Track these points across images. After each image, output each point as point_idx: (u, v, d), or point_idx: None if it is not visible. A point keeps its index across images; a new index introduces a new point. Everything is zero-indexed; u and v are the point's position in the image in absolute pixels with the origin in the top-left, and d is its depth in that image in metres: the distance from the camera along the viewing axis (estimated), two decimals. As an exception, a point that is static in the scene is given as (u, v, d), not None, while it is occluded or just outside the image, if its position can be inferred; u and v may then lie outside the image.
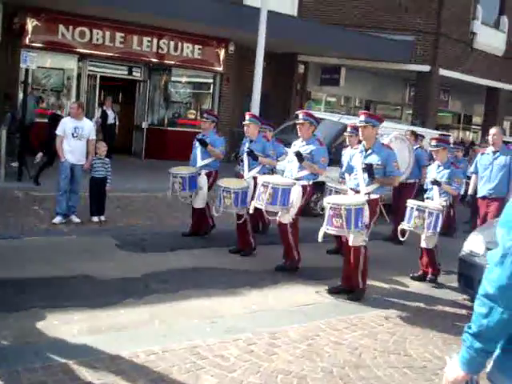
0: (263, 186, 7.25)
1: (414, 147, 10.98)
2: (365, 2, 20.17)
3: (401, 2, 20.07)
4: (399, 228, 7.71)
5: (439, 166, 8.01)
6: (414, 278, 7.97)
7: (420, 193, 9.75)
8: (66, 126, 9.29)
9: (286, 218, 7.40)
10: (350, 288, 6.75)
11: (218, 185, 8.16)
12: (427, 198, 8.01)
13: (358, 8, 20.17)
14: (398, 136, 10.90)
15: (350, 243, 6.54)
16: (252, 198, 7.69)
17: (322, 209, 8.49)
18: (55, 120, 11.24)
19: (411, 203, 7.70)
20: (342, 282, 6.86)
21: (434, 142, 8.10)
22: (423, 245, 7.82)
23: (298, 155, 7.28)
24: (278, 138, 10.16)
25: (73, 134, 9.21)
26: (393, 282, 7.72)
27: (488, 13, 22.45)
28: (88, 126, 9.48)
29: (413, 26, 20.35)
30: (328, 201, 6.54)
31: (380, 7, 20.13)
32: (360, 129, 6.65)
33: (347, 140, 9.25)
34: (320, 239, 6.51)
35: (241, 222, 8.11)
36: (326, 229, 6.46)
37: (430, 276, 7.90)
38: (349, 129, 9.21)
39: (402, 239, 7.68)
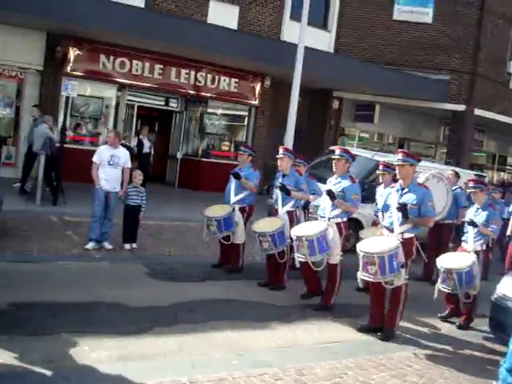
0: (297, 240, 7.26)
1: (453, 187, 10.84)
2: (402, 41, 20.28)
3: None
4: (435, 287, 7.34)
5: (478, 209, 7.91)
6: (442, 318, 7.85)
7: (457, 234, 9.60)
8: (102, 153, 9.44)
9: (335, 259, 7.39)
10: (380, 326, 6.66)
11: (253, 230, 8.16)
12: (463, 241, 7.87)
13: (394, 46, 20.29)
14: (436, 174, 10.81)
15: (396, 284, 6.46)
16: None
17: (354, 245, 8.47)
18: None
19: (439, 264, 7.37)
20: (371, 320, 6.77)
21: (471, 184, 8.00)
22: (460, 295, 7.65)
23: (330, 194, 7.28)
24: (311, 174, 10.17)
25: (109, 162, 9.35)
26: (423, 323, 7.61)
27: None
28: (124, 155, 9.63)
29: (449, 65, 20.36)
30: (360, 249, 6.49)
31: (417, 46, 20.22)
32: (398, 167, 6.62)
33: (380, 178, 9.23)
34: (361, 285, 6.52)
35: (283, 261, 8.07)
36: (362, 276, 6.43)
37: (460, 322, 7.71)
38: (381, 167, 9.19)
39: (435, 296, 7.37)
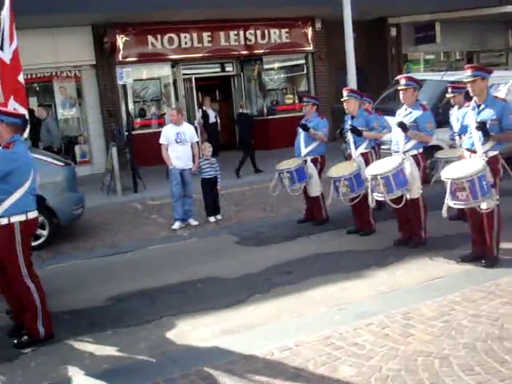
0: (373, 180, 6.98)
1: None
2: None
3: None
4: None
5: None
6: None
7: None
8: (168, 133, 9.45)
9: (415, 193, 7.06)
10: (482, 253, 6.36)
11: (329, 176, 7.97)
12: None
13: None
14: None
15: (484, 209, 6.14)
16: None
17: (436, 181, 8.08)
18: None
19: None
20: (473, 248, 6.47)
21: None
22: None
23: (402, 126, 6.95)
24: (378, 109, 9.79)
25: (176, 140, 9.35)
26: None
27: None
28: (189, 130, 9.60)
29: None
30: (447, 176, 6.10)
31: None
32: (469, 84, 6.18)
33: (451, 101, 8.77)
34: (444, 214, 6.18)
35: (355, 202, 7.87)
36: (452, 204, 6.11)
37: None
38: (450, 89, 8.73)
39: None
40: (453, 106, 8.93)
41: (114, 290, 6.59)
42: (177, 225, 9.44)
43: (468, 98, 6.89)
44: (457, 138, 8.39)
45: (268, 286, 6.29)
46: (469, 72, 6.17)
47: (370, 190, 7.15)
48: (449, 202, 6.09)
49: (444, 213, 6.15)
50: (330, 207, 8.81)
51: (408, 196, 7.06)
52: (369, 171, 7.17)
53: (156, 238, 9.03)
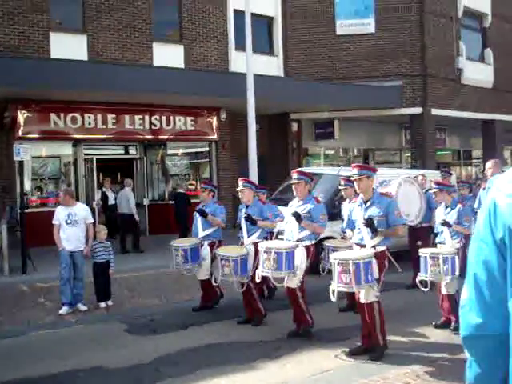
0: (266, 253, 7.01)
1: (424, 190, 10.77)
2: (349, 54, 20.45)
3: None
4: (417, 279, 7.44)
5: (446, 207, 7.84)
6: (437, 327, 7.63)
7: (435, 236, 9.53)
8: (58, 214, 9.21)
9: (294, 282, 7.14)
10: (370, 346, 6.44)
11: (217, 253, 7.99)
12: (439, 243, 7.76)
13: (343, 60, 20.44)
14: (407, 179, 10.76)
15: (362, 300, 6.29)
16: (255, 266, 7.48)
17: (323, 270, 8.32)
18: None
19: (423, 252, 7.44)
20: (363, 341, 6.55)
21: (433, 185, 8.00)
22: (443, 291, 7.53)
23: (296, 215, 7.11)
24: (272, 200, 10.03)
25: (66, 221, 9.11)
26: (414, 334, 7.39)
27: (471, 48, 22.73)
28: (82, 211, 9.38)
29: (399, 71, 20.56)
30: (335, 257, 6.31)
31: (365, 57, 20.40)
32: (355, 182, 6.50)
33: (343, 193, 9.11)
34: (333, 298, 6.27)
35: (243, 289, 7.85)
36: (336, 286, 6.23)
37: (453, 324, 7.46)
38: (342, 182, 9.09)
39: (424, 290, 7.37)
40: (343, 200, 9.27)
41: (-14, 380, 6.10)
42: (64, 310, 8.99)
43: (357, 193, 7.20)
44: (347, 230, 8.67)
45: (155, 377, 6.03)
46: (355, 170, 6.49)
47: (260, 265, 7.16)
48: (333, 284, 6.20)
49: (332, 297, 6.25)
50: (225, 294, 8.73)
51: (285, 283, 7.15)
52: (265, 244, 7.25)
53: (41, 323, 8.52)
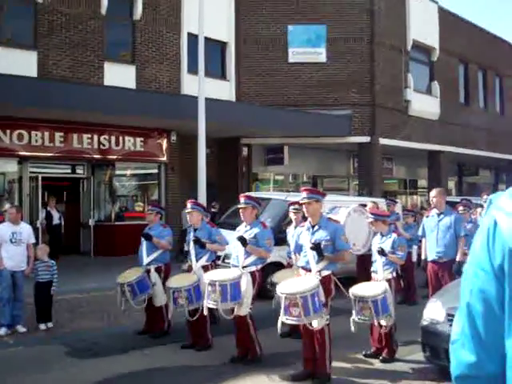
0: (210, 285, 6.93)
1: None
2: (300, 81, 20.74)
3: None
4: (351, 320, 6.99)
5: (382, 236, 7.79)
6: (366, 356, 7.49)
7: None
8: (2, 232, 8.96)
9: (244, 310, 7.07)
10: (313, 371, 6.42)
11: (168, 286, 7.84)
12: (373, 272, 7.67)
13: (294, 87, 20.69)
14: (357, 209, 10.89)
15: (315, 328, 6.26)
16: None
17: (271, 284, 8.23)
18: None
19: (352, 295, 7.04)
20: (306, 364, 6.52)
21: (371, 215, 8.03)
22: (376, 323, 7.18)
23: (242, 240, 7.09)
24: (220, 224, 9.98)
25: (11, 240, 8.87)
26: (356, 360, 7.41)
27: (419, 80, 23.33)
28: (26, 230, 9.18)
29: (349, 100, 20.94)
30: (282, 291, 6.24)
31: (316, 85, 20.72)
32: (304, 206, 6.52)
33: (292, 217, 9.13)
34: (279, 331, 6.27)
35: (195, 318, 7.64)
36: (284, 319, 6.18)
37: (384, 355, 7.37)
38: (292, 206, 9.10)
39: (353, 330, 6.98)
40: (289, 225, 9.29)
41: None
42: (3, 331, 8.71)
43: (304, 218, 7.22)
44: (292, 255, 8.70)
45: (93, 402, 5.88)
46: (304, 194, 6.52)
47: (206, 296, 7.04)
48: (282, 317, 6.18)
49: (279, 329, 6.23)
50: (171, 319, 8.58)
51: (235, 312, 7.07)
52: (208, 276, 7.16)
53: (-23, 345, 8.23)
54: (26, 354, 7.82)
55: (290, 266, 9.03)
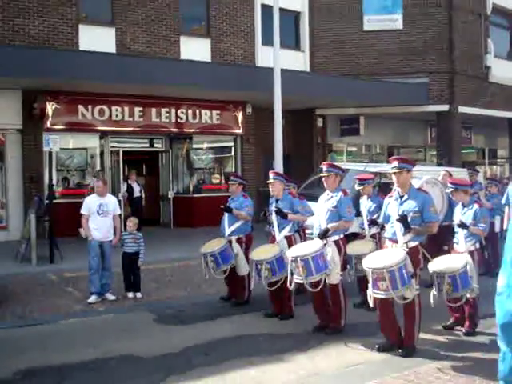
0: (293, 262, 6.97)
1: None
2: (376, 50, 20.34)
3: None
4: (431, 293, 6.86)
5: (464, 207, 7.54)
6: (446, 328, 7.37)
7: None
8: (90, 204, 9.28)
9: (335, 278, 7.08)
10: (397, 343, 6.38)
11: (251, 259, 7.94)
12: (455, 243, 7.46)
13: (369, 56, 20.34)
14: (430, 180, 10.64)
15: (405, 300, 6.21)
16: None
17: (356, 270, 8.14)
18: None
19: (431, 268, 6.90)
20: (392, 337, 6.46)
21: (449, 184, 7.78)
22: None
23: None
24: (301, 194, 9.96)
25: (98, 212, 9.18)
26: (437, 332, 7.31)
27: (500, 46, 22.51)
28: (112, 202, 9.47)
29: (426, 68, 20.42)
30: (368, 265, 6.20)
31: (391, 53, 20.29)
32: (394, 175, 6.42)
33: (361, 191, 9.03)
34: (372, 304, 6.25)
35: (276, 287, 7.74)
36: (373, 293, 6.15)
37: (466, 328, 7.21)
38: (357, 182, 9.02)
39: (432, 305, 6.82)
40: (362, 196, 9.19)
41: (21, 364, 6.18)
42: (93, 298, 9.08)
43: (380, 189, 7.08)
44: (366, 226, 8.71)
45: (186, 366, 6.08)
46: (395, 163, 6.39)
47: (289, 272, 7.09)
48: (371, 291, 6.15)
49: (371, 303, 6.22)
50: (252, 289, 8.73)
51: (327, 281, 7.09)
52: (290, 253, 7.20)
53: (70, 312, 8.62)
54: (116, 321, 8.12)
55: (362, 236, 8.98)
